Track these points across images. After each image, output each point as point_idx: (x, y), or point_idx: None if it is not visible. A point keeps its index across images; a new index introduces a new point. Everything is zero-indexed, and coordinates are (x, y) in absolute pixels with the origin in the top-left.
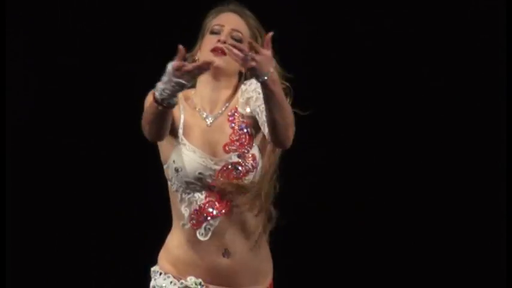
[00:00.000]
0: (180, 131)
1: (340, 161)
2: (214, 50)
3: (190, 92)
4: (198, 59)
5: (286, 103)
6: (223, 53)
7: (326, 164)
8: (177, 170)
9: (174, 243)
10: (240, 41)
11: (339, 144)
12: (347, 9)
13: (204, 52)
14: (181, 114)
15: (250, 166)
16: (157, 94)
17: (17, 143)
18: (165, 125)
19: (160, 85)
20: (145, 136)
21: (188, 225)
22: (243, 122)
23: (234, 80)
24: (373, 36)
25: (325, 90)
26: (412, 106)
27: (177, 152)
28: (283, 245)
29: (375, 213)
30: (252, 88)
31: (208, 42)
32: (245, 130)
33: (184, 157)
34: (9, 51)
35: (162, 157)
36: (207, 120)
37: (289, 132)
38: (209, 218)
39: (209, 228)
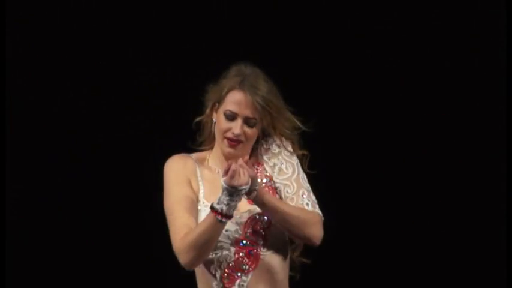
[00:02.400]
0: (201, 195)
1: (339, 161)
2: (229, 141)
3: (206, 154)
4: (214, 123)
5: (284, 208)
6: (239, 142)
7: (326, 164)
8: None
9: None
10: (253, 126)
11: (338, 144)
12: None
13: (219, 133)
14: (199, 178)
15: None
16: (225, 211)
17: (17, 143)
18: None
19: (224, 205)
20: (183, 263)
21: (221, 285)
22: (266, 175)
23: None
24: (372, 36)
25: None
26: (411, 106)
27: (202, 216)
28: None
29: (374, 214)
30: (271, 143)
31: (222, 126)
32: (268, 184)
33: None
34: (9, 51)
35: None
36: None
37: (307, 231)
38: (241, 274)
39: (243, 285)
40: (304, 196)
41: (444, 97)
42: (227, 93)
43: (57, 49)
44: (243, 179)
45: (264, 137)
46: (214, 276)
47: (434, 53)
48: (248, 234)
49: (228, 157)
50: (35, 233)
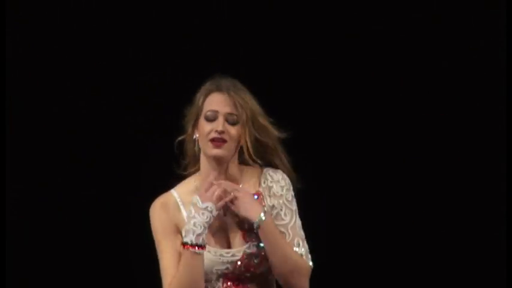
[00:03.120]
0: None
1: (340, 161)
2: (214, 142)
3: (191, 181)
4: (197, 139)
5: (284, 249)
6: (223, 141)
7: (325, 165)
8: None
9: None
10: (235, 123)
11: (338, 144)
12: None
13: (202, 140)
14: (185, 217)
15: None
16: (195, 241)
17: (17, 143)
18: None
19: (190, 233)
20: None
21: None
22: (264, 210)
23: (235, 159)
24: (371, 36)
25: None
26: (411, 106)
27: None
28: None
29: (375, 214)
30: (276, 181)
31: (205, 130)
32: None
33: (210, 258)
34: (9, 51)
35: None
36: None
37: (295, 280)
38: None
39: None
40: (300, 245)
41: (443, 97)
42: (204, 99)
43: (57, 49)
44: (208, 197)
45: (266, 166)
46: None
47: (434, 53)
48: (238, 272)
49: (214, 161)
50: (35, 233)
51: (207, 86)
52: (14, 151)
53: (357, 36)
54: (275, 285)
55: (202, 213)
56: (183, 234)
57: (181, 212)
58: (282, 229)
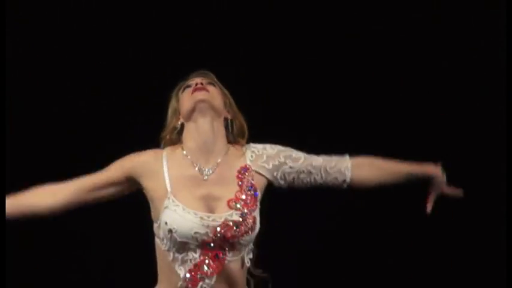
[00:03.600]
0: (169, 190)
1: None
2: (196, 90)
3: (177, 148)
4: (181, 123)
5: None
6: (205, 89)
7: None
8: (170, 231)
9: None
10: (212, 84)
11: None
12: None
13: (185, 102)
14: (166, 175)
15: (249, 227)
16: None
17: (17, 143)
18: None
19: None
20: None
21: (183, 285)
22: (252, 183)
23: (222, 128)
24: (371, 35)
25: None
26: (410, 107)
27: (168, 214)
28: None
29: (375, 215)
30: (263, 148)
31: (185, 96)
32: (253, 191)
33: (178, 218)
34: (9, 51)
35: (153, 214)
36: (203, 173)
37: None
38: (204, 277)
39: (205, 287)
40: (327, 157)
41: (443, 97)
42: (183, 90)
43: (57, 49)
44: None
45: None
46: (178, 274)
47: (433, 53)
48: (217, 238)
49: (197, 108)
50: (34, 233)
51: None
52: (14, 151)
53: (356, 36)
54: (245, 262)
55: None
56: None
57: (163, 168)
58: (309, 167)
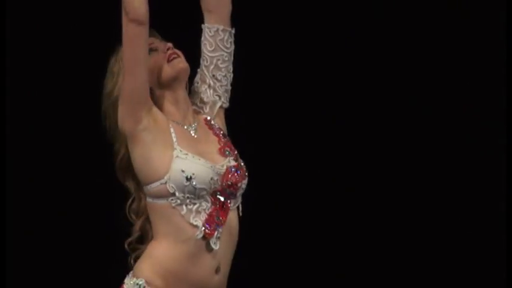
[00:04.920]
0: (175, 141)
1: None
2: (173, 58)
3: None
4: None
5: None
6: (180, 56)
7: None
8: (188, 179)
9: (168, 255)
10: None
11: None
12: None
13: (164, 70)
14: (170, 125)
15: (245, 170)
16: None
17: (17, 143)
18: None
19: None
20: (131, 17)
21: (201, 235)
22: (221, 129)
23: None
24: (370, 35)
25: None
26: (410, 106)
27: (182, 162)
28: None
29: (376, 215)
30: (208, 94)
31: (158, 58)
32: (227, 138)
33: (194, 165)
34: (9, 51)
35: (152, 173)
36: (189, 130)
37: None
38: (218, 226)
39: (219, 237)
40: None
41: (443, 96)
42: None
43: (57, 49)
44: None
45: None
46: (196, 226)
47: (433, 53)
48: (225, 186)
49: (179, 77)
50: (35, 233)
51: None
52: (14, 151)
53: (355, 35)
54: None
55: None
56: None
57: (167, 121)
58: (210, 63)
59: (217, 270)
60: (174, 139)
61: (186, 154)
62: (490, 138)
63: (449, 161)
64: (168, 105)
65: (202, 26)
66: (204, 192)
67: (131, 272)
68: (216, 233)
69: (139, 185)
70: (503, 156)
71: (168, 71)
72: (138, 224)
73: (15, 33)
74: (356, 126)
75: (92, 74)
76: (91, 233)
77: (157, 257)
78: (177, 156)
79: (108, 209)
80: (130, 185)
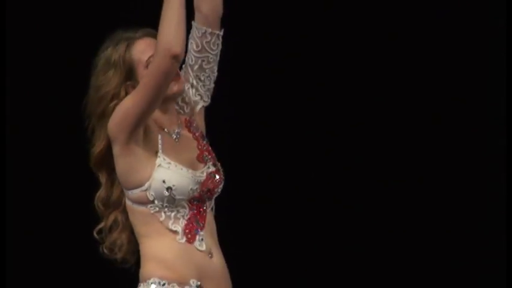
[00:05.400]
0: (160, 148)
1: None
2: (174, 79)
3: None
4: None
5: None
6: (179, 74)
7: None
8: (169, 189)
9: (164, 250)
10: None
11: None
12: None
13: None
14: (158, 133)
15: (222, 174)
16: None
17: (17, 143)
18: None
19: None
20: (179, 51)
21: (183, 240)
22: (200, 131)
23: None
24: (370, 34)
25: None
26: (409, 107)
27: (164, 171)
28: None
29: (377, 215)
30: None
31: None
32: (205, 140)
33: (175, 175)
34: (9, 51)
35: (133, 180)
36: (173, 136)
37: None
38: (198, 230)
39: (202, 239)
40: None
41: (442, 97)
42: (130, 50)
43: (57, 49)
44: None
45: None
46: (175, 232)
47: (433, 52)
48: (203, 193)
49: (173, 97)
50: (35, 233)
51: (118, 46)
52: (14, 151)
53: (354, 34)
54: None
55: None
56: None
57: (155, 126)
58: (195, 62)
59: (211, 256)
60: (160, 147)
61: (169, 163)
62: (490, 139)
63: (449, 161)
64: (157, 113)
65: (192, 23)
66: (183, 201)
67: (140, 284)
68: (197, 237)
69: (110, 176)
70: (504, 156)
71: (169, 88)
72: (108, 217)
73: (15, 33)
74: (352, 125)
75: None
76: (91, 233)
77: (154, 253)
78: (160, 165)
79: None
80: (102, 176)
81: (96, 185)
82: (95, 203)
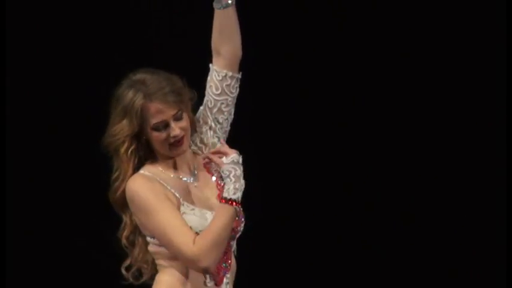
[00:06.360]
0: (179, 197)
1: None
2: (173, 145)
3: (152, 167)
4: (145, 142)
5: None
6: (181, 138)
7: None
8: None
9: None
10: (182, 116)
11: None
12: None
13: (159, 146)
14: (169, 188)
15: (242, 214)
16: (238, 195)
17: (17, 143)
18: None
19: (239, 190)
20: (205, 266)
21: (213, 283)
22: (218, 173)
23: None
24: (370, 33)
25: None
26: (409, 106)
27: (189, 218)
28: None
29: (378, 215)
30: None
31: (160, 138)
32: (223, 181)
33: (200, 220)
34: (9, 51)
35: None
36: (190, 181)
37: None
38: (226, 272)
39: (228, 282)
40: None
41: (443, 96)
42: (141, 113)
43: (57, 49)
44: (230, 151)
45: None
46: (204, 275)
47: (433, 52)
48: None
49: (179, 155)
50: (35, 233)
51: (135, 98)
52: (14, 151)
53: (354, 33)
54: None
55: (238, 168)
56: (230, 191)
57: (164, 184)
58: (213, 108)
59: None
60: (178, 195)
61: (193, 209)
62: (490, 139)
63: (449, 161)
64: (164, 159)
65: (210, 66)
66: None
67: None
68: (225, 279)
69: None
70: (504, 156)
71: (168, 152)
72: (134, 255)
73: (15, 33)
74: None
75: (91, 74)
76: (91, 233)
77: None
78: (184, 213)
79: (108, 208)
80: (125, 216)
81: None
82: (122, 243)
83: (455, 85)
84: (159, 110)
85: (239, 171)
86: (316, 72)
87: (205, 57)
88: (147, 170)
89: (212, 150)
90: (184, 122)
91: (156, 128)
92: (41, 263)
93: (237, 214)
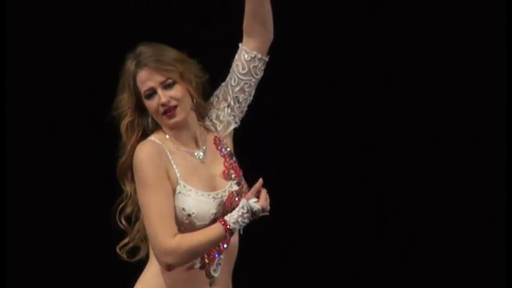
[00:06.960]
0: (178, 176)
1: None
2: (166, 114)
3: (162, 135)
4: (150, 120)
5: None
6: (174, 107)
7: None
8: (189, 216)
9: (163, 281)
10: (173, 84)
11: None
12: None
13: (156, 117)
14: (174, 165)
15: (247, 191)
16: (236, 227)
17: (17, 143)
18: None
19: (239, 225)
20: (170, 263)
21: (199, 265)
22: (228, 150)
23: (194, 115)
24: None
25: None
26: (409, 106)
27: (183, 199)
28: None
29: (378, 214)
30: (223, 115)
31: (152, 108)
32: (234, 159)
33: (195, 202)
34: (9, 51)
35: None
36: (199, 156)
37: None
38: (220, 254)
39: (219, 263)
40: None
41: (442, 96)
42: (134, 82)
43: (57, 49)
44: (263, 199)
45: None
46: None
47: (432, 52)
48: (225, 212)
49: (176, 127)
50: (35, 233)
51: (129, 66)
52: (14, 151)
53: (354, 32)
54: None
55: (252, 216)
56: (232, 219)
57: (169, 157)
58: (235, 86)
59: (212, 283)
60: (178, 174)
61: (190, 190)
62: (490, 139)
63: (449, 161)
64: (169, 131)
65: (240, 45)
66: (203, 225)
67: None
68: (216, 260)
69: (133, 186)
70: (504, 156)
71: (163, 122)
72: (132, 234)
73: (15, 33)
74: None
75: (91, 74)
76: (91, 233)
77: (149, 280)
78: (180, 192)
79: (108, 209)
80: (127, 188)
81: (95, 184)
82: (117, 218)
83: (455, 86)
84: (147, 77)
85: (251, 217)
86: (336, 65)
87: (205, 57)
88: (157, 138)
89: (257, 186)
90: (176, 92)
91: (147, 96)
92: (41, 263)
93: (225, 239)
